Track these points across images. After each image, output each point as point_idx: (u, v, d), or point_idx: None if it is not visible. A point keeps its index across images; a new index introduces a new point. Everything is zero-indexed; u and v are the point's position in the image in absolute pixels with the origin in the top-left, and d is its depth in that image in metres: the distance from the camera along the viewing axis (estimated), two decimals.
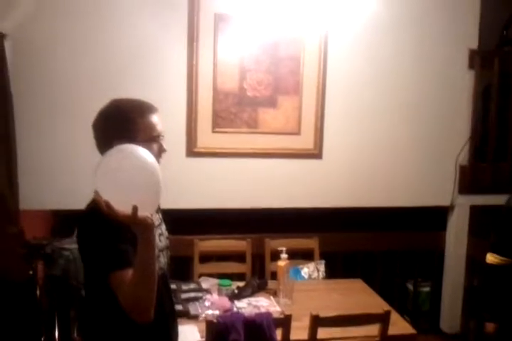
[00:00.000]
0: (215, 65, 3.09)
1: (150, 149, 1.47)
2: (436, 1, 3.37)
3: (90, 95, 2.92)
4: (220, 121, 3.14)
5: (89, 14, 2.97)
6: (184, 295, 2.54)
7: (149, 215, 1.34)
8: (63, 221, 2.90)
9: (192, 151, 3.12)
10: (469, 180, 3.51)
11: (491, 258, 2.18)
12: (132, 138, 1.48)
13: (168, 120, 3.06)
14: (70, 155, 3.01)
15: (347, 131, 3.37)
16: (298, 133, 3.28)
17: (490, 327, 2.18)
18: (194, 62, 3.06)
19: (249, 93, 3.17)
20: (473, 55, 3.46)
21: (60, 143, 3.01)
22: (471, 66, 3.47)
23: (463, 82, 3.48)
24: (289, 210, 3.30)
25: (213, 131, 3.13)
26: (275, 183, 3.28)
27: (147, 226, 1.33)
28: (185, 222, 2.99)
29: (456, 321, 3.59)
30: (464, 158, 3.52)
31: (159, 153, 1.57)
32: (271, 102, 3.20)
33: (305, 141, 3.30)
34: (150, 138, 1.53)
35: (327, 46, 3.25)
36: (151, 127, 1.54)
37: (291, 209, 3.30)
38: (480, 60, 3.46)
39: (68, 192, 2.97)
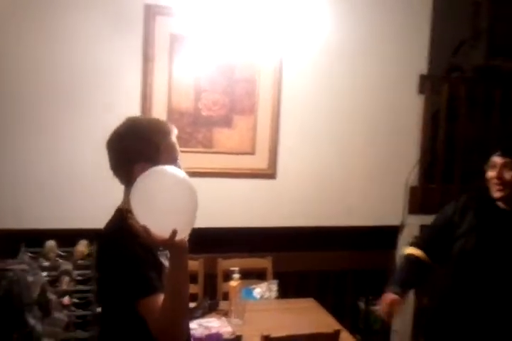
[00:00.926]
0: (170, 84, 3.10)
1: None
2: (387, 28, 3.49)
3: (47, 115, 2.93)
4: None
5: (46, 33, 2.94)
6: None
7: (185, 237, 1.32)
8: (6, 241, 2.83)
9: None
10: (419, 201, 3.61)
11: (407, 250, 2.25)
12: (155, 160, 1.43)
13: None
14: (15, 173, 2.95)
15: (301, 151, 3.42)
16: (252, 153, 3.31)
17: None
18: (149, 82, 3.06)
19: (205, 113, 3.19)
20: (423, 80, 3.59)
21: (6, 161, 2.95)
22: (421, 91, 3.60)
23: (413, 106, 3.60)
24: (242, 230, 3.31)
25: None
26: (229, 203, 3.29)
27: (183, 249, 1.31)
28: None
29: (406, 340, 3.64)
30: (414, 179, 3.63)
31: None
32: (226, 122, 3.23)
33: (259, 160, 3.33)
34: (172, 159, 1.50)
35: (282, 69, 3.31)
36: (173, 148, 1.51)
37: (244, 229, 3.31)
38: (430, 85, 3.59)
39: (12, 211, 2.91)
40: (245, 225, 3.32)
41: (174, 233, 1.25)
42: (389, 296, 2.10)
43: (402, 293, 2.12)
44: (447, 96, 3.61)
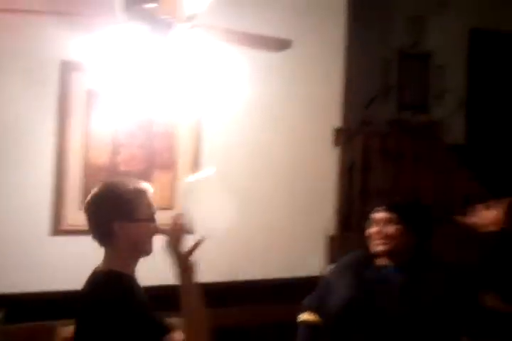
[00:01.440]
0: (87, 140, 3.03)
1: (147, 228, 1.60)
2: (302, 85, 3.61)
3: None
4: None
5: None
6: None
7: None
8: None
9: (57, 229, 2.96)
10: (337, 250, 3.66)
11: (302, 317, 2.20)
12: (133, 218, 1.55)
13: (31, 196, 2.95)
14: None
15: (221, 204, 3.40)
16: (171, 207, 3.25)
17: None
18: (64, 137, 2.98)
19: (123, 168, 3.12)
20: (337, 133, 3.72)
21: None
22: (336, 143, 3.72)
23: (329, 159, 3.71)
24: (161, 287, 3.20)
25: (82, 208, 3.01)
26: (147, 259, 3.18)
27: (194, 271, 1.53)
28: (52, 306, 2.79)
29: None
30: (332, 229, 3.69)
31: (156, 233, 1.65)
32: (145, 177, 3.16)
33: None
34: (149, 216, 1.62)
35: (201, 123, 3.33)
36: (149, 206, 1.62)
37: (163, 287, 3.20)
38: (344, 138, 3.72)
39: None
40: (165, 282, 3.20)
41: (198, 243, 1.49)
42: None
43: None
44: (361, 148, 3.75)
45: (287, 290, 3.53)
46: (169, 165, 3.24)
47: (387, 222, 2.02)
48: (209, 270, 3.33)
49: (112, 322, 1.46)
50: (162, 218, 3.26)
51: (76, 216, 2.97)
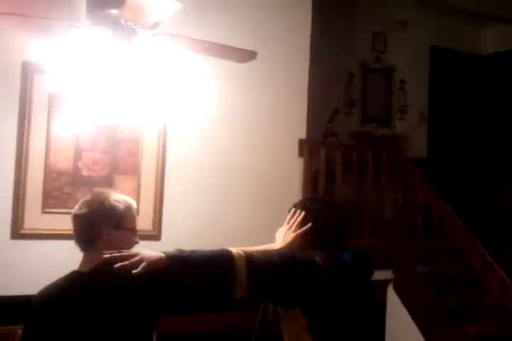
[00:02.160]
0: (47, 143, 3.02)
1: (133, 237, 1.75)
2: (268, 97, 3.68)
3: None
4: (51, 201, 3.02)
5: None
6: None
7: None
8: None
9: (18, 233, 2.93)
10: None
11: None
12: (119, 228, 1.71)
13: None
14: None
15: (186, 212, 3.42)
16: (136, 214, 3.25)
17: None
18: (25, 140, 2.96)
19: (85, 173, 3.11)
20: (302, 144, 3.79)
21: None
22: (300, 154, 3.79)
23: (294, 169, 3.77)
24: None
25: (43, 212, 2.99)
26: None
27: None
28: (11, 310, 2.75)
29: None
30: None
31: (133, 245, 1.75)
32: (107, 182, 3.17)
33: (144, 222, 3.26)
34: (133, 228, 1.77)
35: (166, 130, 3.35)
36: (133, 219, 1.79)
37: None
38: (308, 149, 3.79)
39: None
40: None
41: None
42: None
43: None
44: (325, 159, 3.83)
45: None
46: (133, 171, 3.25)
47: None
48: None
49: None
50: None
51: (37, 220, 2.95)
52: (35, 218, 2.97)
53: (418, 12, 5.09)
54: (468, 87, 5.47)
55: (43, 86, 3.02)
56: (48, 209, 3.01)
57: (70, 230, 3.00)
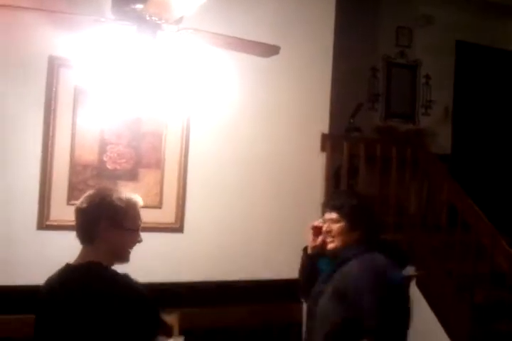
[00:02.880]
0: (73, 137, 3.07)
1: (133, 237, 1.74)
2: (291, 91, 3.67)
3: None
4: (76, 194, 3.05)
5: None
6: None
7: None
8: None
9: (44, 224, 2.99)
10: None
11: None
12: (120, 224, 1.70)
13: (19, 191, 2.98)
14: None
15: (208, 205, 3.45)
16: (159, 206, 3.29)
17: None
18: (50, 134, 3.01)
19: (110, 166, 3.16)
20: (324, 139, 3.78)
21: None
22: (323, 149, 3.78)
23: (316, 163, 3.76)
24: (147, 285, 3.21)
25: (69, 204, 3.03)
26: (135, 257, 3.20)
27: None
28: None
29: None
30: None
31: (134, 244, 1.78)
32: (132, 176, 3.21)
33: (166, 214, 3.31)
34: (135, 226, 1.76)
35: (189, 124, 3.38)
36: (137, 217, 1.77)
37: (149, 284, 3.22)
38: (331, 143, 3.78)
39: None
40: (151, 280, 3.23)
41: None
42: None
43: None
44: (348, 154, 3.80)
45: (275, 291, 3.57)
46: (156, 164, 3.28)
47: (332, 221, 2.17)
48: (200, 269, 3.39)
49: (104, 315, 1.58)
50: (149, 217, 3.33)
51: (62, 211, 3.01)
52: (60, 210, 3.02)
53: (443, 6, 5.03)
54: (493, 82, 5.39)
55: (68, 80, 3.06)
56: (73, 202, 3.01)
57: None
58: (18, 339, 2.86)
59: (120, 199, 1.71)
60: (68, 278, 1.68)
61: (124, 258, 1.76)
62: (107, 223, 1.67)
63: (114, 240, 1.70)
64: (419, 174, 3.96)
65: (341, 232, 2.14)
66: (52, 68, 3.02)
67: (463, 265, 3.53)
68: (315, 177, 3.75)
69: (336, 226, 2.15)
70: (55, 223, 3.01)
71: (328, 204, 2.23)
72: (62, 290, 1.64)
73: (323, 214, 2.24)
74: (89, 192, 1.76)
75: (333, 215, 2.16)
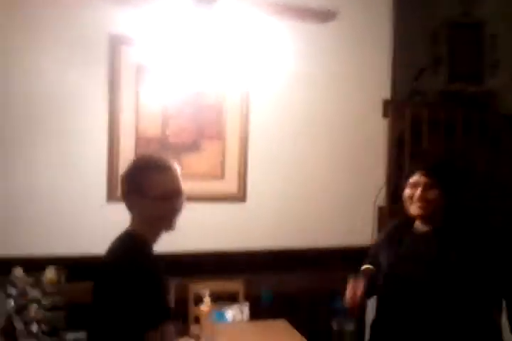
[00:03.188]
0: (137, 112, 3.18)
1: (166, 206, 1.59)
2: (350, 56, 3.62)
3: (14, 139, 2.98)
4: None
5: (17, 64, 3.02)
6: None
7: None
8: None
9: (114, 196, 3.11)
10: (387, 220, 3.67)
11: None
12: (144, 195, 1.59)
13: (90, 166, 3.14)
14: None
15: (269, 175, 3.49)
16: (222, 177, 3.37)
17: None
18: (116, 110, 3.13)
19: (172, 140, 3.25)
20: (386, 104, 3.70)
21: None
22: (385, 115, 3.71)
23: (378, 130, 3.70)
24: (213, 253, 3.33)
25: None
26: (199, 227, 3.32)
27: None
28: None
29: None
30: (381, 200, 3.71)
31: (172, 213, 1.64)
32: (194, 147, 3.29)
33: (229, 184, 3.38)
34: (161, 195, 1.59)
35: (249, 96, 3.40)
36: (162, 184, 1.61)
37: (215, 252, 3.34)
38: (393, 109, 3.70)
39: None
40: (216, 249, 3.35)
41: None
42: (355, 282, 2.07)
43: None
44: (410, 119, 3.72)
45: (337, 259, 3.60)
46: (218, 136, 3.34)
47: (428, 186, 2.00)
48: (263, 237, 3.47)
49: (115, 290, 1.51)
50: (212, 187, 3.42)
51: None
52: None
53: None
54: None
55: (130, 57, 3.15)
56: None
57: None
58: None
59: (150, 167, 1.63)
60: (111, 246, 1.68)
61: (166, 227, 1.65)
62: (134, 194, 1.61)
63: (144, 211, 1.62)
64: (486, 138, 3.83)
65: (436, 200, 2.00)
66: (114, 46, 3.11)
67: None
68: (377, 145, 3.70)
69: (432, 193, 1.99)
70: None
71: (428, 167, 2.04)
72: (105, 258, 1.65)
73: (410, 175, 2.07)
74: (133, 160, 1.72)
75: (432, 180, 1.99)
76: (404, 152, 3.74)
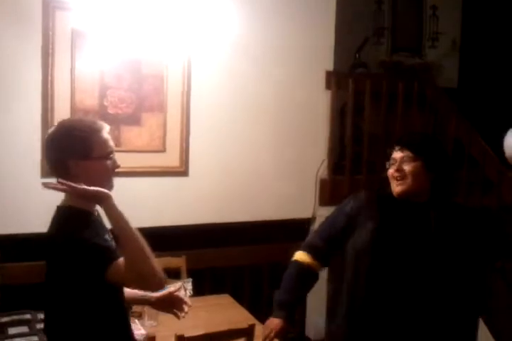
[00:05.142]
0: (73, 82, 2.98)
1: (104, 166, 1.59)
2: (293, 27, 3.55)
3: None
4: None
5: None
6: (40, 325, 2.40)
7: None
8: None
9: (48, 171, 2.95)
10: (329, 193, 3.71)
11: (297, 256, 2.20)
12: (87, 156, 1.56)
13: (22, 140, 2.95)
14: None
15: (212, 148, 3.42)
16: (163, 150, 3.26)
17: None
18: (50, 79, 2.92)
19: (111, 111, 3.09)
20: (329, 76, 3.68)
21: None
22: (327, 87, 3.69)
23: (321, 102, 3.69)
24: (154, 229, 3.24)
25: None
26: (141, 202, 3.22)
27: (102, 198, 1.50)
28: (42, 247, 2.86)
29: (321, 328, 3.74)
30: (323, 172, 3.72)
31: (113, 170, 1.65)
32: (134, 120, 3.15)
33: (171, 158, 3.28)
34: (104, 154, 1.60)
35: (191, 65, 3.28)
36: (104, 144, 1.61)
37: (156, 228, 3.25)
38: (335, 81, 3.68)
39: None
40: (158, 224, 3.26)
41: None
42: (273, 322, 2.11)
43: (287, 317, 2.13)
44: (353, 91, 3.72)
45: (279, 231, 3.62)
46: (158, 108, 3.21)
47: (404, 159, 1.94)
48: (205, 211, 3.42)
49: (65, 256, 1.52)
50: (154, 161, 3.31)
51: None
52: None
53: None
54: (503, 13, 5.17)
55: (65, 23, 2.94)
56: None
57: None
58: (29, 287, 2.93)
59: (82, 128, 1.58)
60: (51, 222, 1.64)
61: (105, 188, 1.58)
62: (75, 158, 1.55)
63: (89, 173, 1.57)
64: (426, 110, 3.89)
65: (416, 173, 1.92)
66: (48, 11, 2.89)
67: (469, 199, 3.54)
68: (320, 116, 3.69)
69: (409, 166, 1.93)
70: None
71: (401, 142, 1.98)
72: (46, 234, 1.63)
73: (390, 154, 2.01)
74: (51, 127, 1.64)
75: (407, 153, 1.93)
76: (346, 124, 3.76)
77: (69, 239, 1.51)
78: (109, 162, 1.62)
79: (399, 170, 1.94)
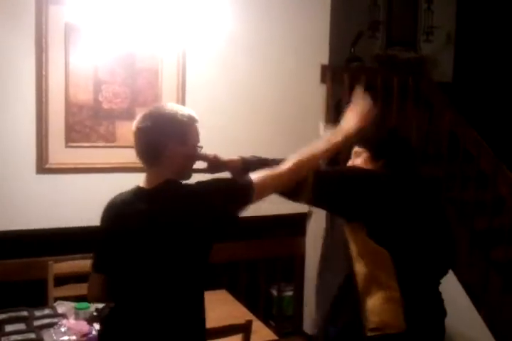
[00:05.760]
0: (67, 76, 2.96)
1: (193, 154, 1.71)
2: (288, 20, 3.54)
3: None
4: (74, 135, 3.00)
5: None
6: (37, 323, 2.37)
7: None
8: None
9: (43, 168, 2.94)
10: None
11: None
12: (184, 142, 1.66)
13: (16, 135, 2.92)
14: None
15: (207, 142, 3.39)
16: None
17: None
18: (44, 74, 2.89)
19: (106, 106, 3.07)
20: (324, 70, 3.67)
21: None
22: (323, 80, 3.68)
23: (316, 96, 3.68)
24: None
25: (67, 146, 2.99)
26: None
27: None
28: (38, 243, 2.85)
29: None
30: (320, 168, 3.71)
31: (195, 160, 1.77)
32: (129, 115, 3.13)
33: None
34: (195, 144, 1.73)
35: (185, 59, 3.26)
36: (196, 135, 1.75)
37: None
38: (331, 74, 3.67)
39: None
40: None
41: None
42: None
43: None
44: (348, 84, 3.71)
45: (276, 226, 3.62)
46: (153, 102, 3.17)
47: (355, 154, 2.09)
48: None
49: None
50: None
51: (60, 154, 2.96)
52: (59, 152, 2.97)
53: None
54: (498, 7, 5.16)
55: (58, 17, 2.91)
56: (71, 144, 3.01)
57: (93, 164, 3.07)
58: (25, 283, 2.91)
59: (184, 115, 1.67)
60: (145, 200, 1.62)
61: (188, 174, 1.72)
62: (174, 142, 1.63)
63: (181, 158, 1.66)
64: (420, 104, 3.89)
65: (364, 164, 2.03)
66: (41, 5, 2.86)
67: (464, 193, 3.54)
68: (315, 110, 3.68)
69: (358, 160, 2.06)
70: (55, 166, 2.98)
71: (355, 139, 2.08)
72: (139, 212, 1.60)
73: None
74: (147, 110, 1.68)
75: (357, 148, 2.08)
76: (341, 118, 3.73)
77: (216, 186, 1.66)
78: (197, 151, 1.74)
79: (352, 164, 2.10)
